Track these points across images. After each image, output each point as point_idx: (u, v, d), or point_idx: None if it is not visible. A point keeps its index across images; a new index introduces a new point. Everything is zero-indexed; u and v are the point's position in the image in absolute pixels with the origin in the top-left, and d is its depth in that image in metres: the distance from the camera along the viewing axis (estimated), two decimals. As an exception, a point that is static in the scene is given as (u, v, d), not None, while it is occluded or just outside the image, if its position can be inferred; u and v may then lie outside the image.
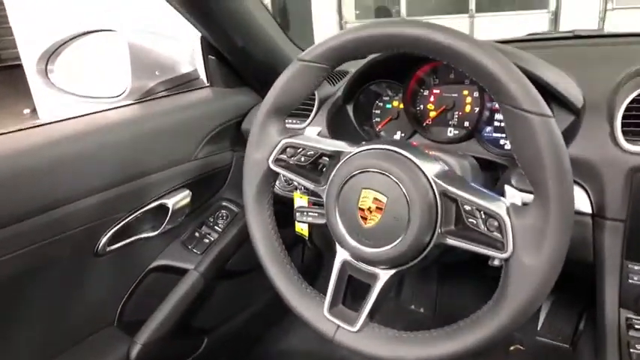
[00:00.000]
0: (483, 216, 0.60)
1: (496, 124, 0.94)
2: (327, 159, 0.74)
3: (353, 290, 0.73)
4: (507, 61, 0.56)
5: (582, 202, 0.82)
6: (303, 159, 0.75)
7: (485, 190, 0.62)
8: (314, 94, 1.08)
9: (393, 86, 1.05)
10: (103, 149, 0.92)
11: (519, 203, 0.62)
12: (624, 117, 0.76)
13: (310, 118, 1.08)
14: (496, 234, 0.59)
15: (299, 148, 0.75)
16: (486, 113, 0.93)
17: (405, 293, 1.69)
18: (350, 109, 1.07)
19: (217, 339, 1.28)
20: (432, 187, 0.63)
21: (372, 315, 0.69)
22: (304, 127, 1.07)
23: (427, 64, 0.97)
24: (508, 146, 0.91)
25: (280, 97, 0.74)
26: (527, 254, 0.56)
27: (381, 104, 1.07)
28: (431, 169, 0.64)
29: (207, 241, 1.15)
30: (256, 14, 1.06)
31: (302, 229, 1.06)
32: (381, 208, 0.64)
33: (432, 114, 0.99)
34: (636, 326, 0.78)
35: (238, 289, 1.34)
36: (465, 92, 0.95)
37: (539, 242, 0.56)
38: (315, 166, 0.77)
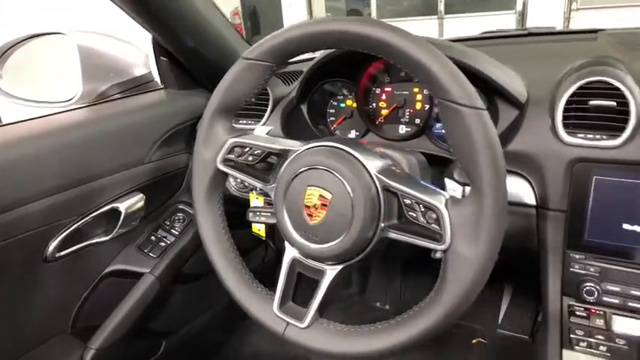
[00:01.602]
0: (422, 209, 0.61)
1: (446, 120, 0.95)
2: (276, 158, 0.75)
3: (305, 288, 0.73)
4: (441, 55, 0.57)
5: (526, 194, 0.84)
6: (251, 158, 0.75)
7: (426, 184, 0.64)
8: (268, 94, 1.08)
9: (347, 85, 1.05)
10: (50, 152, 0.90)
11: (459, 196, 0.63)
12: (565, 110, 0.78)
13: (264, 118, 1.08)
14: (434, 226, 0.60)
15: (247, 148, 0.75)
16: (436, 110, 0.95)
17: (370, 290, 1.70)
18: (304, 108, 1.07)
19: (176, 342, 1.27)
20: (374, 182, 0.64)
21: (320, 310, 0.69)
22: None
23: (378, 62, 0.98)
24: (457, 142, 0.93)
25: (226, 96, 0.74)
26: (464, 245, 0.58)
27: (335, 103, 1.08)
28: (374, 165, 0.65)
29: (163, 244, 1.13)
30: (207, 14, 1.06)
31: (259, 229, 1.05)
32: (326, 205, 0.65)
33: (384, 112, 1.00)
34: (577, 313, 0.80)
35: (196, 293, 1.33)
36: (416, 90, 0.97)
37: (475, 233, 0.57)
38: (266, 166, 0.77)
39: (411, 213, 0.62)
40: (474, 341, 1.42)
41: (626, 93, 0.74)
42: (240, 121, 1.11)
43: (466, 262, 0.58)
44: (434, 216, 0.60)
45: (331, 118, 1.09)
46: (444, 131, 0.95)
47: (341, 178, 0.63)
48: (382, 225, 0.64)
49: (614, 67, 0.80)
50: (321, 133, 1.07)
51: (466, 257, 0.57)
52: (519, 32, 1.21)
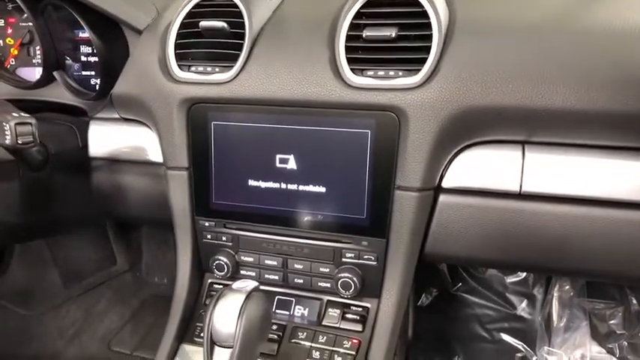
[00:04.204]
0: None
1: (84, 58, 0.74)
2: None
3: None
4: None
5: (153, 149, 0.66)
6: None
7: None
8: None
9: None
10: None
11: None
12: (178, 36, 0.60)
13: None
14: None
15: None
16: (68, 45, 0.73)
17: (146, 267, 1.51)
18: None
19: None
20: None
21: None
22: None
23: None
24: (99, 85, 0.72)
25: None
26: None
27: None
28: None
29: None
30: None
31: None
32: None
33: (14, 51, 0.76)
34: (213, 293, 0.65)
35: None
36: (41, 20, 0.73)
37: None
38: None
39: None
40: None
41: (243, 9, 0.58)
42: None
43: None
44: None
45: None
46: (84, 74, 0.74)
47: None
48: None
49: None
50: None
51: None
52: None
